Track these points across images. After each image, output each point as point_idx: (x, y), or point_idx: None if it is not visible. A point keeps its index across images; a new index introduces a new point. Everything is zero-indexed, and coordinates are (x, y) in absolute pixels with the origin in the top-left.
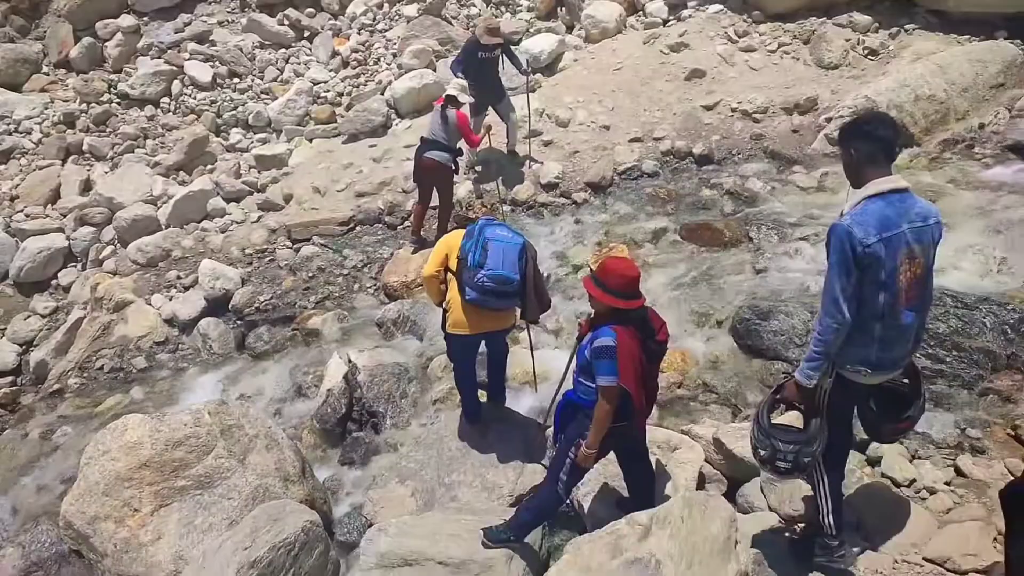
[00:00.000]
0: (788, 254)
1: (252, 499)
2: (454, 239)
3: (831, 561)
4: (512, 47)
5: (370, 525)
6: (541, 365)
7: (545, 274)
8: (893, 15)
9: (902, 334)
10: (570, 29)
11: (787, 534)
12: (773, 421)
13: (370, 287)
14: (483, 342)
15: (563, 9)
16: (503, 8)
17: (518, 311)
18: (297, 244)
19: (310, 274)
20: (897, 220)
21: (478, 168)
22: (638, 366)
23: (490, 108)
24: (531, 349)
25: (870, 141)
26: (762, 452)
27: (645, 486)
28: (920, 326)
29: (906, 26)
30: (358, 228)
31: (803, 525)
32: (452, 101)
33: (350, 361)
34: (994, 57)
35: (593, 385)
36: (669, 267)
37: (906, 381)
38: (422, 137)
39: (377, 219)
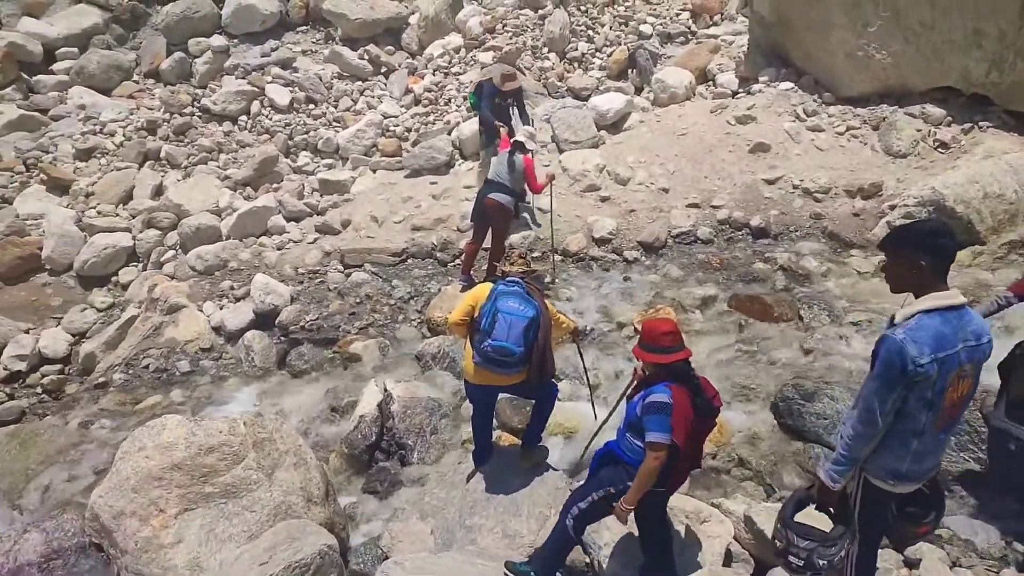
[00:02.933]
0: (839, 337)
1: (274, 515)
2: (481, 292)
3: None
4: (526, 100)
5: (385, 558)
6: (576, 418)
7: (588, 327)
8: (968, 111)
9: (937, 448)
10: (639, 91)
11: None
12: (797, 519)
13: (414, 320)
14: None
15: (634, 71)
16: (576, 64)
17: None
18: (348, 269)
19: (357, 300)
20: (953, 340)
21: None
22: (689, 425)
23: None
24: (583, 362)
25: (941, 256)
26: (778, 543)
27: (666, 552)
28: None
29: (980, 123)
30: (410, 260)
31: None
32: (520, 147)
33: (386, 390)
34: None
35: (640, 443)
36: (715, 335)
37: (926, 488)
38: (487, 178)
39: (429, 254)
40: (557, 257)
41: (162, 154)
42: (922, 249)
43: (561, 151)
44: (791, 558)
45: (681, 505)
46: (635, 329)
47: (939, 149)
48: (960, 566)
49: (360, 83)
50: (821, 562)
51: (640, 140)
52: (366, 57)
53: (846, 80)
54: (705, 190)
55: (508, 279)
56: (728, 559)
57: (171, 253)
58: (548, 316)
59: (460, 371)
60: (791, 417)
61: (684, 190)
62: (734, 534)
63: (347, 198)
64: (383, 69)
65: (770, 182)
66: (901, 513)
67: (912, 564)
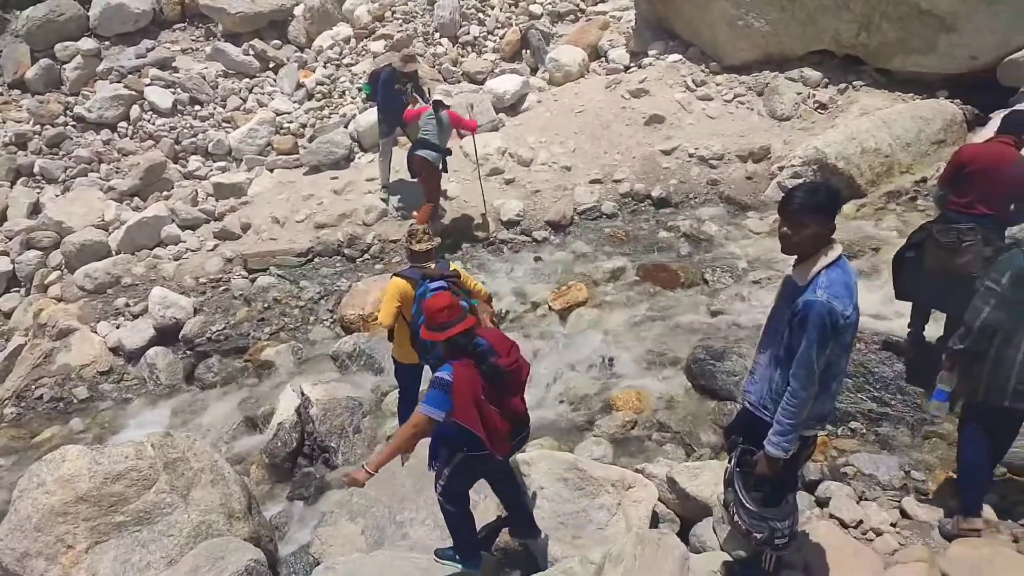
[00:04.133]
0: (741, 296)
1: (194, 536)
2: (404, 290)
3: None
4: (421, 83)
5: (317, 564)
6: None
7: (503, 311)
8: (842, 72)
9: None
10: (534, 71)
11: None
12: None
13: (326, 319)
14: None
15: (528, 52)
16: (469, 48)
17: None
18: (253, 274)
19: (265, 305)
20: (853, 285)
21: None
22: (479, 395)
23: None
24: None
25: (838, 215)
26: (758, 535)
27: (520, 502)
28: None
29: (854, 83)
30: (316, 260)
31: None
32: (440, 104)
33: (303, 394)
34: (935, 115)
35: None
36: (627, 307)
37: None
38: (417, 138)
39: (336, 251)
40: (465, 244)
41: (36, 169)
42: (832, 214)
43: (461, 136)
44: (777, 540)
45: (606, 475)
46: (548, 307)
47: (819, 110)
48: (866, 499)
49: (247, 80)
50: (797, 528)
51: (539, 120)
52: (251, 53)
53: (729, 50)
54: (606, 165)
55: (432, 284)
56: (655, 521)
57: (56, 274)
58: (477, 307)
59: (377, 368)
60: (704, 378)
61: (586, 167)
62: (659, 496)
63: (245, 201)
64: (271, 64)
65: (667, 152)
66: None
67: (823, 503)
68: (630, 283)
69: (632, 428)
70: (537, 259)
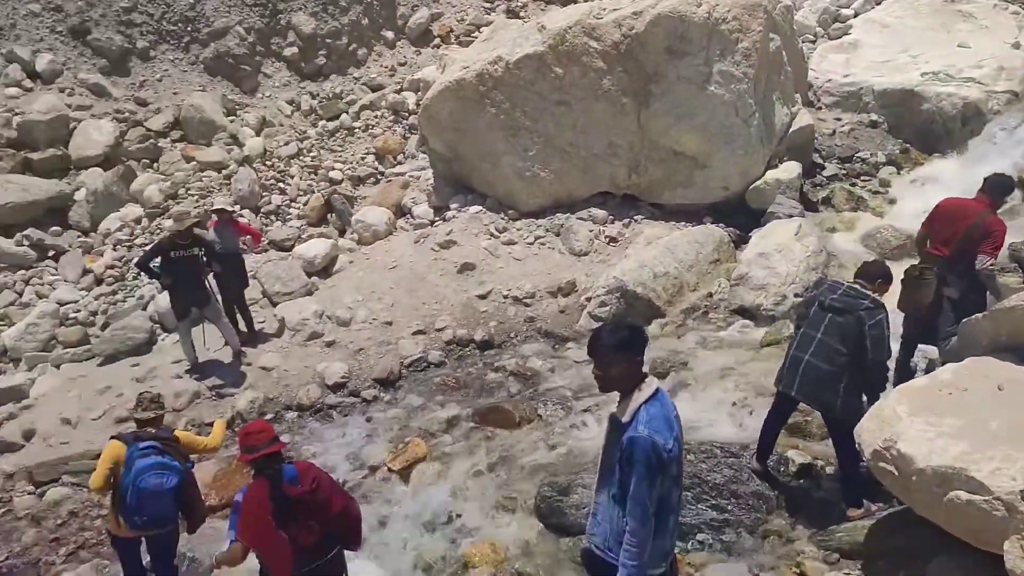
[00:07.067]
0: (576, 426)
1: None
2: (119, 453)
3: None
4: (215, 244)
5: None
6: None
7: (341, 480)
8: (623, 208)
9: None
10: (342, 233)
11: None
12: None
13: None
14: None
15: (333, 215)
16: (272, 217)
17: None
18: (41, 488)
19: (59, 521)
20: (672, 418)
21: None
22: (263, 521)
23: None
24: None
25: (645, 349)
26: None
27: None
28: None
29: (635, 217)
30: None
31: None
32: (222, 212)
33: None
34: (707, 238)
35: None
36: (467, 455)
37: None
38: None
39: None
40: (292, 414)
41: None
42: (638, 350)
43: (274, 304)
44: None
45: None
46: (388, 469)
47: (611, 243)
48: None
49: (23, 272)
50: None
51: (353, 280)
52: (26, 243)
53: (523, 198)
54: (426, 315)
55: (142, 444)
56: None
57: None
58: (190, 473)
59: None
60: (554, 515)
61: (407, 319)
62: None
63: (26, 405)
64: (51, 253)
65: (483, 297)
66: None
67: None
68: (467, 430)
69: None
70: (369, 419)
